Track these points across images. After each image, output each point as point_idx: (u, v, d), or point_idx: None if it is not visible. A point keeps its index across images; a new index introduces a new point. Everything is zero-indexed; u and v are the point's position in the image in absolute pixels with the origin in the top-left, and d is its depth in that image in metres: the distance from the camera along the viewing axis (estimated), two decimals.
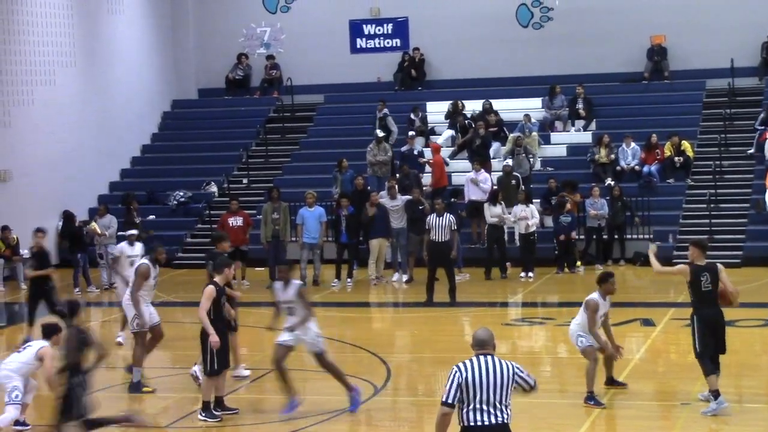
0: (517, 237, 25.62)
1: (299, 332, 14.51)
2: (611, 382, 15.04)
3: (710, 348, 13.93)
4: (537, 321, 20.66)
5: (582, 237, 25.86)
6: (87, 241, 25.65)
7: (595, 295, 14.73)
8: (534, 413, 13.71)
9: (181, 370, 16.68)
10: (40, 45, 28.15)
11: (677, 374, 16.04)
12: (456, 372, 9.21)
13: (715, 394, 13.72)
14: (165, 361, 18.32)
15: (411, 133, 28.58)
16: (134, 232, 19.97)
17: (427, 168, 27.67)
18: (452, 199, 25.31)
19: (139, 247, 19.12)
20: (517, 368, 9.36)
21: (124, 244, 19.52)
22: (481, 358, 9.29)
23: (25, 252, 25.74)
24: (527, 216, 24.96)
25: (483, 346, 9.38)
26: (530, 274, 24.66)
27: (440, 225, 21.70)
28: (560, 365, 17.48)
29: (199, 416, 14.30)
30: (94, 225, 25.33)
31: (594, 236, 25.87)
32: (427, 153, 28.32)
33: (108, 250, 25.26)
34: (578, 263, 25.39)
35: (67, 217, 26.16)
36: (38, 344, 13.73)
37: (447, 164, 27.93)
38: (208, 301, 14.16)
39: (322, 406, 14.78)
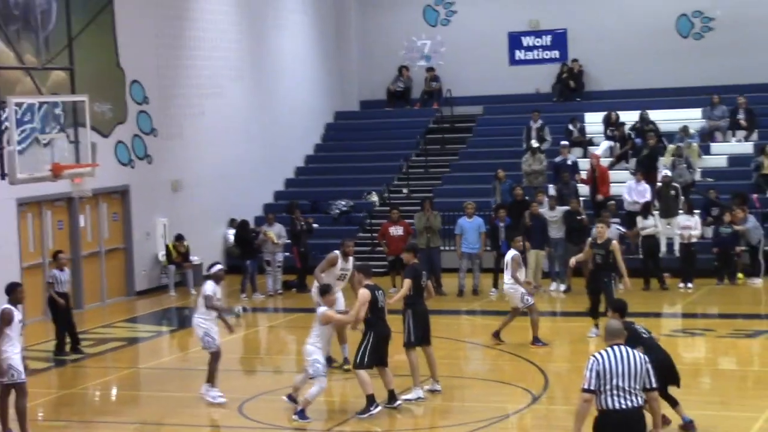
0: (677, 247, 25.17)
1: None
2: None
3: None
4: (697, 332, 20.23)
5: (746, 249, 25.12)
6: (255, 249, 26.07)
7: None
8: (698, 426, 13.43)
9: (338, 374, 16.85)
10: (210, 59, 28.76)
11: None
12: (594, 361, 9.91)
13: None
14: None
15: (564, 143, 28.24)
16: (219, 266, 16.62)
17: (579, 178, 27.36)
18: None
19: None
20: (647, 362, 10.00)
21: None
22: (615, 348, 9.99)
23: (194, 259, 26.40)
24: (690, 226, 24.55)
25: (617, 336, 10.12)
26: (689, 284, 24.18)
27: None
28: (722, 377, 17.10)
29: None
30: (270, 233, 25.79)
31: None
32: (586, 163, 28.10)
33: (276, 258, 25.73)
34: (740, 276, 24.77)
35: (242, 224, 26.56)
36: None
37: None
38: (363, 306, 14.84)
39: (478, 414, 14.76)
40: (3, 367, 13.91)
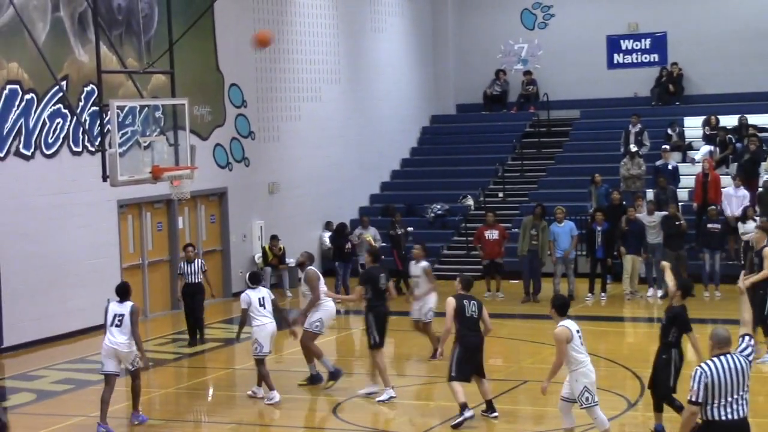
0: None
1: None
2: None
3: None
4: None
5: None
6: (348, 252, 26.22)
7: None
8: None
9: (435, 379, 16.87)
10: (308, 63, 29.00)
11: None
12: (701, 373, 9.50)
13: None
14: (419, 371, 18.55)
15: (665, 146, 27.98)
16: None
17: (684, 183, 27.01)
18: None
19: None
20: (747, 357, 9.64)
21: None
22: (723, 357, 9.58)
23: (290, 261, 26.60)
24: None
25: (725, 344, 9.64)
26: None
27: None
28: None
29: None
30: (368, 236, 25.96)
31: None
32: (685, 168, 27.74)
33: None
34: None
35: (337, 229, 26.69)
36: None
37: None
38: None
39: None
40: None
